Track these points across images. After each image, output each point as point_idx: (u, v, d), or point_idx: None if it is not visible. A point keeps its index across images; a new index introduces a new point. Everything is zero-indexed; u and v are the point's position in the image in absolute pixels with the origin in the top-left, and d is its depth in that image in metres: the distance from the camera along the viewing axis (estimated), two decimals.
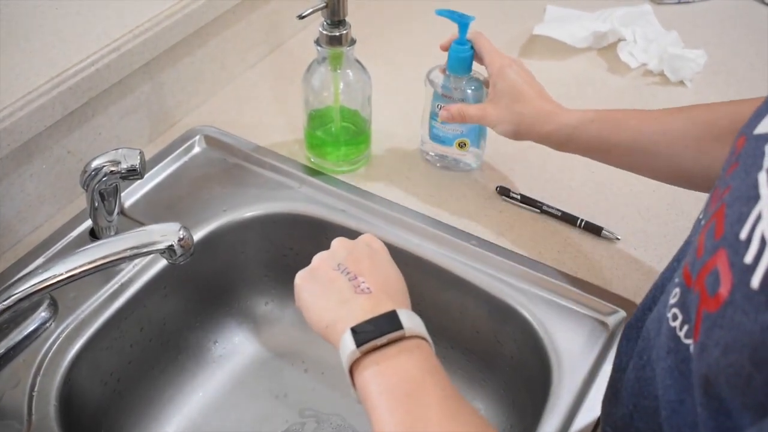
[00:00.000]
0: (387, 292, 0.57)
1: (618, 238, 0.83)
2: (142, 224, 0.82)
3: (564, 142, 0.77)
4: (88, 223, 0.81)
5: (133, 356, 0.81)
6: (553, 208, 0.85)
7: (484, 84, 0.86)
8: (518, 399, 0.80)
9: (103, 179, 0.72)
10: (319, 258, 0.61)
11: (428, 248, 0.82)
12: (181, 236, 0.65)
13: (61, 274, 0.64)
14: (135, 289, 0.78)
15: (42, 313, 0.74)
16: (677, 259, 0.53)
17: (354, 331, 0.53)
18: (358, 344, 0.52)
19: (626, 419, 0.51)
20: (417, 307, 0.57)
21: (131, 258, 0.65)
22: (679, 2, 1.23)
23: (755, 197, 0.38)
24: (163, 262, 0.80)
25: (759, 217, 0.37)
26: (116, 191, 0.75)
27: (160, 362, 0.84)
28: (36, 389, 0.69)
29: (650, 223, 0.85)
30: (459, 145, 0.89)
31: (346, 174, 0.91)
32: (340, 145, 0.91)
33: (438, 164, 0.92)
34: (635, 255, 0.81)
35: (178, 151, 0.93)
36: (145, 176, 0.87)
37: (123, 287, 0.78)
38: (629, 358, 0.54)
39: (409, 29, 1.16)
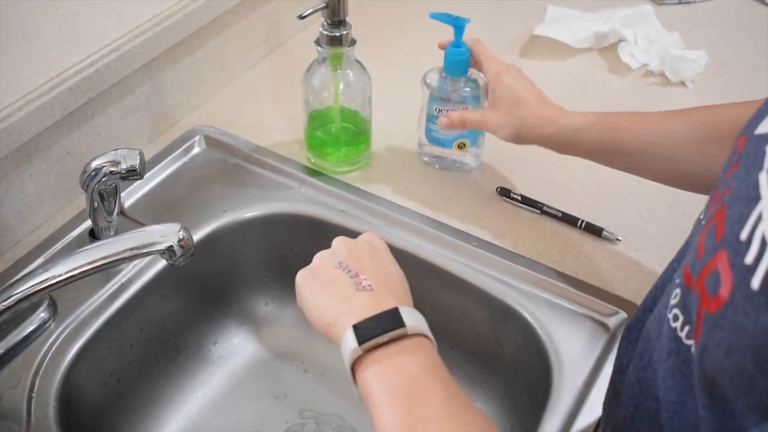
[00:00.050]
0: (389, 289, 0.57)
1: (619, 239, 0.83)
2: (141, 225, 0.83)
3: (565, 144, 0.77)
4: (88, 223, 0.81)
5: (133, 357, 0.81)
6: (553, 208, 0.85)
7: (481, 86, 0.86)
8: (519, 400, 0.80)
9: (103, 180, 0.72)
10: (320, 257, 0.61)
11: (428, 249, 0.82)
12: (181, 237, 0.65)
13: (61, 275, 0.64)
14: (135, 290, 0.78)
15: (41, 314, 0.74)
16: (677, 259, 0.53)
17: (356, 328, 0.53)
18: (360, 342, 0.52)
19: (627, 421, 0.51)
20: (417, 308, 0.57)
21: (131, 259, 0.65)
22: (680, 3, 1.23)
23: (756, 198, 0.38)
24: (162, 263, 0.80)
25: (759, 217, 0.37)
26: (116, 192, 0.75)
27: (160, 363, 0.84)
28: (35, 390, 0.69)
29: (651, 224, 0.85)
30: (458, 146, 0.89)
31: (346, 174, 0.91)
32: (340, 145, 0.90)
33: (436, 166, 0.92)
34: (636, 256, 0.81)
35: (177, 152, 0.92)
36: (145, 176, 0.87)
37: (123, 288, 0.78)
38: (630, 360, 0.54)
39: (409, 29, 1.16)
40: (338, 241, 0.63)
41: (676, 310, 0.44)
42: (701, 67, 1.06)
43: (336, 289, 0.57)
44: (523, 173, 0.91)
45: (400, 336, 0.53)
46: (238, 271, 0.89)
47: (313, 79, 0.86)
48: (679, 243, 0.54)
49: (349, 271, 0.58)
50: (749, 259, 0.36)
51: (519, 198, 0.87)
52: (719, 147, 0.65)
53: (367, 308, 0.54)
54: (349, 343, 0.53)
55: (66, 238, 0.82)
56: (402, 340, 0.53)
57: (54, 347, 0.72)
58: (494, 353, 0.81)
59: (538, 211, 0.86)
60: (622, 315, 0.75)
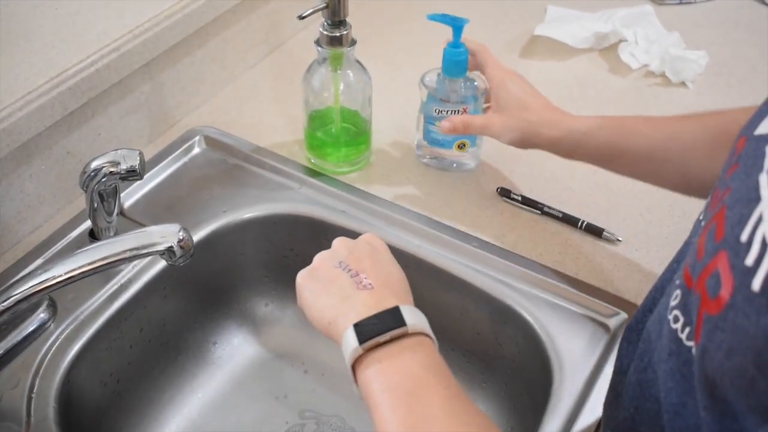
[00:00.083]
0: (389, 288, 0.57)
1: (619, 240, 0.83)
2: (141, 225, 0.82)
3: (573, 148, 0.76)
4: (88, 223, 0.80)
5: (133, 357, 0.81)
6: (554, 209, 0.85)
7: (479, 86, 0.86)
8: (519, 401, 0.80)
9: (103, 180, 0.72)
10: (320, 257, 0.61)
11: (429, 249, 0.82)
12: (181, 237, 0.65)
13: (61, 276, 0.64)
14: (134, 290, 0.78)
15: (41, 314, 0.73)
16: (677, 260, 0.53)
17: (356, 327, 0.53)
18: (361, 341, 0.52)
19: (628, 422, 0.51)
20: (417, 308, 0.57)
21: (131, 259, 0.65)
22: (680, 3, 1.23)
23: (756, 199, 0.38)
24: (162, 263, 0.80)
25: (760, 219, 0.36)
26: (116, 192, 0.75)
27: (160, 363, 0.84)
28: (35, 390, 0.69)
29: (651, 225, 0.85)
30: (458, 146, 0.89)
31: (346, 175, 0.91)
32: (340, 145, 0.90)
33: (436, 167, 0.92)
34: (636, 257, 0.81)
35: (177, 152, 0.92)
36: (145, 177, 0.86)
37: (122, 288, 0.78)
38: (630, 361, 0.54)
39: (409, 29, 1.16)
40: (338, 242, 0.63)
41: (676, 312, 0.44)
42: (702, 67, 1.06)
43: (336, 289, 0.57)
44: (523, 173, 0.91)
45: (401, 335, 0.53)
46: (238, 272, 0.89)
47: (313, 79, 0.86)
48: (680, 243, 0.54)
49: (350, 270, 0.58)
50: (750, 260, 0.36)
51: (519, 198, 0.87)
52: (728, 152, 0.65)
53: (368, 307, 0.54)
54: (350, 342, 0.53)
55: (66, 238, 0.81)
56: (403, 338, 0.53)
57: (54, 348, 0.72)
58: (494, 354, 0.81)
59: (539, 212, 0.86)
60: (623, 316, 0.75)
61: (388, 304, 0.54)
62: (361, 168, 0.92)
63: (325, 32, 0.82)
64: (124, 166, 0.71)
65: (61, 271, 0.64)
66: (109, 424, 0.78)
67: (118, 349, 0.78)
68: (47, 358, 0.71)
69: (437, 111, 0.86)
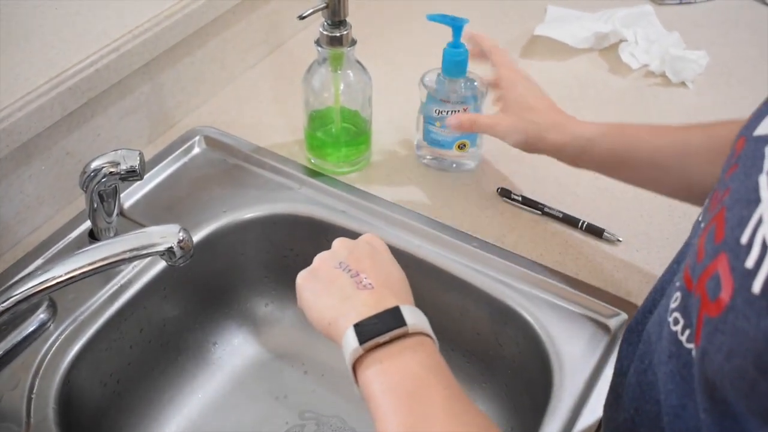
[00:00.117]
0: (390, 287, 0.57)
1: (619, 240, 0.83)
2: (141, 225, 0.82)
3: (578, 155, 0.75)
4: (88, 224, 0.80)
5: (133, 358, 0.80)
6: (554, 209, 0.85)
7: (479, 86, 0.85)
8: (519, 401, 0.80)
9: (103, 180, 0.71)
10: (320, 258, 0.61)
11: (429, 250, 0.82)
12: (181, 238, 0.65)
13: (60, 276, 0.64)
14: (134, 291, 0.78)
15: (41, 315, 0.73)
16: (677, 261, 0.53)
17: (357, 327, 0.53)
18: (361, 341, 0.52)
19: (628, 424, 0.51)
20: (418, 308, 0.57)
21: (130, 260, 0.65)
22: (680, 3, 1.23)
23: (756, 200, 0.37)
24: (162, 263, 0.80)
25: (760, 220, 0.36)
26: (115, 192, 0.75)
27: (160, 364, 0.84)
28: (35, 391, 0.69)
29: (652, 226, 0.84)
30: (459, 146, 0.89)
31: (346, 175, 0.90)
32: (340, 146, 0.90)
33: (436, 167, 0.92)
34: (637, 257, 0.81)
35: (177, 152, 0.92)
36: (145, 177, 0.86)
37: (122, 288, 0.78)
38: (630, 362, 0.54)
39: (409, 29, 1.16)
40: (338, 242, 0.63)
41: (676, 314, 0.44)
42: (702, 67, 1.06)
43: (336, 289, 0.57)
44: (523, 174, 0.90)
45: (401, 335, 0.52)
46: (238, 272, 0.89)
47: (314, 79, 0.86)
48: (680, 244, 0.54)
49: (350, 270, 0.58)
50: (750, 263, 0.35)
51: (519, 199, 0.86)
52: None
53: (368, 307, 0.54)
54: (350, 342, 0.52)
55: (65, 239, 0.81)
56: (403, 339, 0.53)
57: (53, 348, 0.72)
58: (494, 354, 0.81)
59: (539, 212, 0.86)
60: (623, 316, 0.75)
61: (389, 304, 0.54)
62: (361, 168, 0.91)
63: (325, 32, 0.82)
64: (123, 167, 0.71)
65: (61, 271, 0.64)
66: (109, 425, 0.78)
67: (118, 349, 0.78)
68: (47, 359, 0.71)
69: (437, 111, 0.86)
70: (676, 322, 0.44)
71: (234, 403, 0.85)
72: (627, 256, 0.81)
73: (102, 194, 0.74)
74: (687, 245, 0.52)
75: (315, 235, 0.85)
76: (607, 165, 0.75)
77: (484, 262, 0.80)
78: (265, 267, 0.90)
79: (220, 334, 0.89)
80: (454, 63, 0.84)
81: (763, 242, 0.35)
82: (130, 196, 0.87)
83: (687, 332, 0.42)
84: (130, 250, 0.64)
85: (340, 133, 0.90)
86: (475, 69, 0.87)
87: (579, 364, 0.71)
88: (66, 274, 0.64)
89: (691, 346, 0.42)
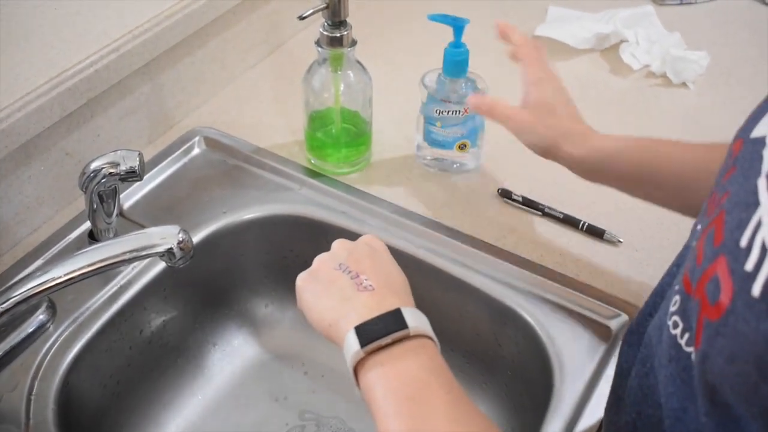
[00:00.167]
0: (390, 288, 0.57)
1: (620, 241, 0.82)
2: (141, 226, 0.82)
3: (596, 168, 0.72)
4: (87, 225, 0.80)
5: (132, 359, 0.80)
6: (555, 210, 0.85)
7: (479, 86, 0.85)
8: (519, 402, 0.80)
9: (102, 181, 0.71)
10: (319, 259, 0.61)
11: (429, 250, 0.82)
12: (181, 239, 0.64)
13: (60, 277, 0.64)
14: (134, 292, 0.78)
15: (40, 316, 0.73)
16: (677, 263, 0.53)
17: (358, 329, 0.52)
18: (363, 344, 0.52)
19: (629, 426, 0.51)
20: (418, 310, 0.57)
21: (130, 261, 0.65)
22: (681, 3, 1.23)
23: (755, 203, 0.37)
24: (162, 264, 0.80)
25: (759, 223, 0.36)
26: (115, 193, 0.75)
27: (160, 365, 0.84)
28: (34, 393, 0.69)
29: (653, 226, 0.84)
30: (459, 147, 0.89)
31: (346, 176, 0.90)
32: (340, 146, 0.90)
33: (436, 168, 0.91)
34: (638, 258, 0.81)
35: (177, 153, 0.92)
36: (145, 178, 0.86)
37: (122, 289, 0.78)
38: (631, 364, 0.53)
39: (409, 29, 1.16)
40: (338, 244, 0.62)
41: (675, 317, 0.44)
42: (703, 68, 1.06)
43: (337, 290, 0.57)
44: (524, 174, 0.90)
45: (402, 337, 0.52)
46: (238, 273, 0.89)
47: (314, 79, 0.86)
48: (681, 245, 0.54)
49: (350, 272, 0.58)
50: (749, 266, 0.35)
51: (520, 199, 0.86)
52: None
53: (369, 309, 0.54)
54: (351, 344, 0.52)
55: (65, 239, 0.81)
56: (405, 341, 0.52)
57: (53, 349, 0.72)
58: (494, 355, 0.81)
59: (540, 213, 0.85)
60: (624, 317, 0.75)
61: (389, 306, 0.54)
62: (361, 169, 0.91)
63: (325, 33, 0.82)
64: (123, 167, 0.71)
65: (60, 272, 0.64)
66: (108, 426, 0.78)
67: (117, 350, 0.78)
68: (46, 360, 0.71)
69: (438, 111, 0.86)
70: (675, 326, 0.44)
71: (234, 404, 0.85)
72: (628, 257, 0.81)
73: (101, 195, 0.74)
74: (687, 248, 0.51)
75: (315, 236, 0.85)
76: (628, 182, 0.72)
77: (484, 262, 0.80)
78: (265, 268, 0.90)
79: (219, 335, 0.89)
80: (455, 63, 0.84)
81: (763, 245, 0.35)
82: (130, 196, 0.87)
83: (686, 336, 0.42)
84: (130, 251, 0.64)
85: (340, 133, 0.90)
86: (476, 69, 0.87)
87: (579, 365, 0.71)
88: (65, 275, 0.64)
89: (690, 349, 0.42)
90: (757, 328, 0.34)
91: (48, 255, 0.80)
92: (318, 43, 0.83)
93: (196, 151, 0.94)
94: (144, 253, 0.65)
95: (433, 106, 0.86)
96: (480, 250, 0.81)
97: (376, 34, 1.14)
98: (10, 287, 0.64)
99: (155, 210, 0.86)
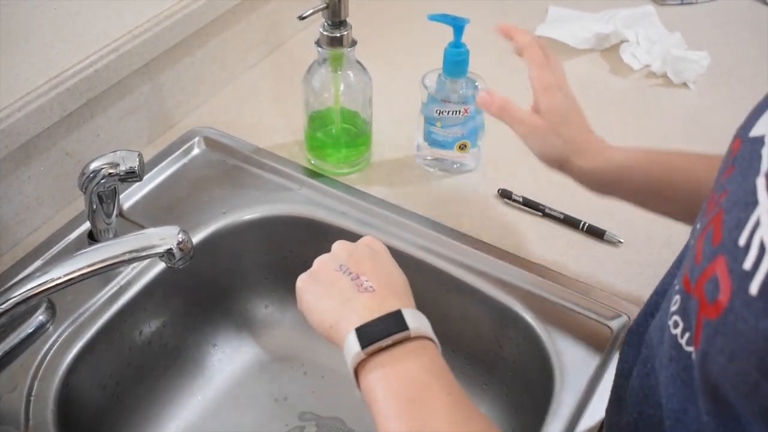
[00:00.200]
0: (391, 290, 0.56)
1: (621, 242, 0.82)
2: (141, 226, 0.82)
3: (607, 182, 0.70)
4: (87, 225, 0.80)
5: (132, 359, 0.80)
6: (555, 210, 0.85)
7: (480, 87, 0.85)
8: (520, 403, 0.80)
9: (102, 181, 0.71)
10: (320, 261, 0.61)
11: (429, 251, 0.82)
12: (180, 240, 0.64)
13: (60, 278, 0.64)
14: (134, 292, 0.78)
15: (39, 317, 0.73)
16: (677, 264, 0.53)
17: (358, 331, 0.52)
18: (363, 345, 0.52)
19: (631, 427, 0.51)
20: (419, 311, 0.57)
21: (130, 262, 0.65)
22: (682, 3, 1.22)
23: (753, 203, 0.37)
24: (162, 265, 0.79)
25: (758, 223, 0.36)
26: (115, 193, 0.75)
27: (159, 365, 0.84)
28: (33, 393, 0.68)
29: (653, 227, 0.84)
30: (459, 147, 0.89)
31: (346, 176, 0.90)
32: (340, 146, 0.90)
33: (436, 168, 0.91)
34: (638, 258, 0.81)
35: (177, 153, 0.92)
36: (144, 178, 0.86)
37: (122, 290, 0.78)
38: (632, 365, 0.53)
39: (409, 29, 1.16)
40: (338, 245, 0.62)
41: (676, 317, 0.44)
42: (704, 68, 1.05)
43: (337, 292, 0.57)
44: (524, 175, 0.90)
45: (403, 339, 0.52)
46: (238, 274, 0.89)
47: (314, 79, 0.86)
48: (681, 245, 0.54)
49: (350, 273, 0.58)
50: (748, 264, 0.35)
51: (520, 200, 0.86)
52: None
53: (370, 310, 0.54)
54: (352, 346, 0.52)
55: (64, 240, 0.81)
56: (405, 342, 0.52)
57: (52, 350, 0.72)
58: (495, 356, 0.81)
59: (540, 214, 0.85)
60: (624, 318, 0.75)
61: (390, 307, 0.54)
62: (361, 169, 0.91)
63: (325, 33, 0.81)
64: (123, 168, 0.71)
65: (60, 273, 0.64)
66: (108, 427, 0.78)
67: (117, 351, 0.78)
68: (46, 361, 0.71)
69: (438, 112, 0.86)
70: (675, 325, 0.44)
71: (233, 405, 0.85)
72: (628, 258, 0.81)
73: (101, 195, 0.73)
74: (687, 248, 0.51)
75: (315, 237, 0.85)
76: (640, 196, 0.70)
77: (484, 263, 0.80)
78: (265, 268, 0.90)
79: (219, 335, 0.89)
80: (455, 63, 0.83)
81: (761, 244, 0.35)
82: (130, 197, 0.87)
83: (687, 335, 0.42)
84: (130, 252, 0.64)
85: (340, 133, 0.90)
86: (476, 69, 0.87)
87: (580, 365, 0.71)
88: (65, 275, 0.64)
89: (690, 349, 0.42)
90: (756, 327, 0.34)
91: (47, 255, 0.80)
92: (318, 43, 0.83)
93: (195, 151, 0.94)
94: (143, 253, 0.65)
95: (434, 107, 0.86)
96: (480, 250, 0.81)
97: (376, 34, 1.14)
98: (10, 288, 0.64)
99: (155, 210, 0.86)
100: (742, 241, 0.36)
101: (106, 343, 0.76)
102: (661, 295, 0.53)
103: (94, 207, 0.74)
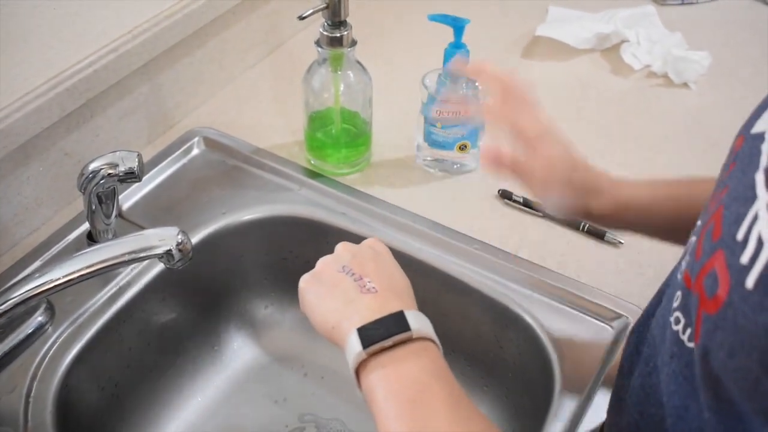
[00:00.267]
0: (393, 291, 0.56)
1: (621, 242, 0.82)
2: (140, 227, 0.82)
3: (625, 223, 0.66)
4: (86, 226, 0.80)
5: (131, 360, 0.80)
6: None
7: (480, 87, 0.85)
8: (520, 405, 0.80)
9: (101, 182, 0.71)
10: (323, 262, 0.61)
11: (429, 252, 0.81)
12: (180, 241, 0.64)
13: (59, 279, 0.63)
14: (133, 293, 0.78)
15: (38, 318, 0.73)
16: (680, 263, 0.53)
17: (360, 331, 0.52)
18: (365, 346, 0.52)
19: (632, 427, 0.51)
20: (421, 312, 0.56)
21: (129, 263, 0.65)
22: (682, 3, 1.22)
23: (752, 197, 0.37)
24: (161, 265, 0.79)
25: (756, 217, 0.36)
26: (114, 194, 0.75)
27: (159, 366, 0.84)
28: (32, 395, 0.68)
29: None
30: (460, 147, 0.88)
31: (346, 176, 0.90)
32: (340, 147, 0.90)
33: (436, 168, 0.91)
34: (639, 259, 0.81)
35: (176, 153, 0.92)
36: (144, 179, 0.86)
37: (121, 291, 0.77)
38: (633, 365, 0.53)
39: (409, 29, 1.15)
40: (341, 246, 0.62)
41: (677, 313, 0.44)
42: (704, 68, 1.05)
43: (340, 292, 0.57)
44: None
45: (405, 339, 0.52)
46: (238, 274, 0.89)
47: (314, 80, 0.86)
48: (682, 246, 0.54)
49: (353, 274, 0.58)
50: (745, 258, 0.35)
51: (521, 200, 0.86)
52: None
53: (372, 311, 0.54)
54: (354, 346, 0.52)
55: (64, 240, 0.81)
56: (407, 343, 0.52)
57: (51, 351, 0.71)
58: (495, 357, 0.81)
59: (541, 214, 0.85)
60: (625, 319, 0.74)
61: (392, 308, 0.54)
62: (361, 169, 0.91)
63: (325, 33, 0.81)
64: (122, 168, 0.71)
65: (59, 274, 0.63)
66: (107, 428, 0.78)
67: (116, 352, 0.78)
68: (45, 362, 0.70)
69: (438, 112, 0.85)
70: (677, 322, 0.44)
71: (233, 406, 0.85)
72: (629, 258, 0.81)
73: (100, 196, 0.73)
74: (689, 246, 0.51)
75: (315, 237, 0.85)
76: (661, 233, 0.66)
77: (485, 264, 0.80)
78: (265, 269, 0.90)
79: (219, 336, 0.89)
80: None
81: (759, 238, 0.35)
82: (129, 197, 0.86)
83: (688, 331, 0.42)
84: (129, 253, 0.64)
85: (340, 134, 0.90)
86: None
87: (581, 367, 0.71)
88: (64, 276, 0.63)
89: (692, 345, 0.42)
90: (755, 321, 0.34)
91: (47, 256, 0.79)
92: (318, 43, 0.82)
93: (195, 151, 0.93)
94: (143, 254, 0.64)
95: (435, 107, 0.86)
96: (481, 251, 0.81)
97: (376, 34, 1.14)
98: (9, 289, 0.64)
99: (154, 211, 0.85)
100: (740, 236, 0.37)
101: (106, 344, 0.76)
102: (663, 293, 0.53)
103: (93, 208, 0.74)
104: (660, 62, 1.07)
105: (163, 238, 0.64)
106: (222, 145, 0.94)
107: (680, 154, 0.94)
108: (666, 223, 0.64)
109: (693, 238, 0.47)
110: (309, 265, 0.61)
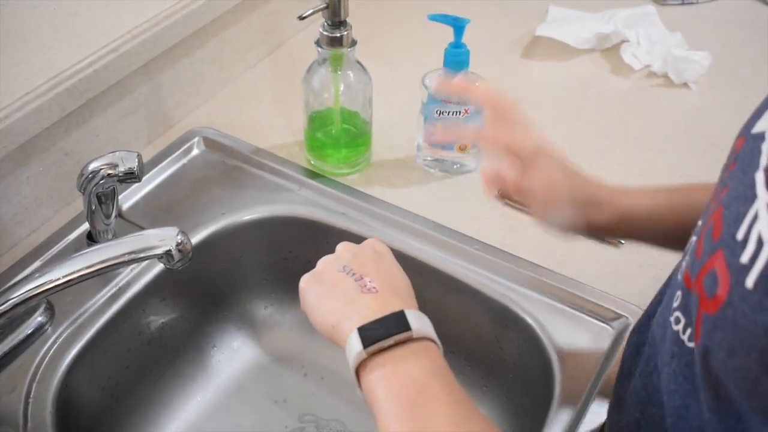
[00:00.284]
0: (394, 291, 0.56)
1: (621, 243, 0.82)
2: (140, 227, 0.82)
3: (626, 234, 0.66)
4: (86, 226, 0.80)
5: (131, 361, 0.80)
6: None
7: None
8: (520, 404, 0.80)
9: (101, 182, 0.71)
10: (324, 261, 0.61)
11: (429, 252, 0.81)
12: (179, 241, 0.64)
13: (58, 279, 0.63)
14: (133, 293, 0.78)
15: (38, 318, 0.73)
16: (681, 262, 0.53)
17: (361, 331, 0.52)
18: (365, 345, 0.52)
19: (633, 427, 0.51)
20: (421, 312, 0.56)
21: (128, 263, 0.64)
22: (683, 3, 1.22)
23: (752, 197, 0.37)
24: (161, 265, 0.79)
25: (756, 216, 0.36)
26: (114, 194, 0.75)
27: (159, 367, 0.84)
28: (32, 395, 0.68)
29: None
30: (459, 148, 0.88)
31: (346, 176, 0.90)
32: (340, 147, 0.90)
33: (436, 168, 0.91)
34: (639, 259, 0.80)
35: (176, 153, 0.92)
36: (144, 179, 0.86)
37: (121, 291, 0.77)
38: (634, 365, 0.53)
39: (409, 29, 1.15)
40: (342, 246, 0.62)
41: (677, 313, 0.44)
42: (704, 68, 1.05)
43: (340, 292, 0.57)
44: None
45: (405, 339, 0.52)
46: (237, 274, 0.89)
47: (314, 80, 0.86)
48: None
49: (354, 274, 0.58)
50: (745, 258, 0.35)
51: (521, 201, 0.86)
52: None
53: (372, 310, 0.54)
54: (354, 346, 0.52)
55: (63, 241, 0.81)
56: (408, 343, 0.52)
57: (51, 351, 0.71)
58: (495, 357, 0.81)
59: None
60: (626, 319, 0.74)
61: (393, 308, 0.54)
62: (361, 169, 0.91)
63: (325, 33, 0.81)
64: (122, 169, 0.71)
65: (58, 274, 0.63)
66: (107, 428, 0.78)
67: (116, 352, 0.78)
68: (44, 362, 0.70)
69: (438, 112, 0.85)
70: (677, 321, 0.44)
71: (233, 406, 0.85)
72: (629, 258, 0.81)
73: (100, 196, 0.73)
74: (689, 246, 0.51)
75: (315, 237, 0.85)
76: (664, 241, 0.65)
77: (485, 264, 0.80)
78: (265, 269, 0.90)
79: (219, 336, 0.89)
80: (456, 63, 0.83)
81: (759, 238, 0.35)
82: (129, 197, 0.86)
83: (688, 331, 0.42)
84: (128, 253, 0.64)
85: (340, 134, 0.89)
86: (476, 69, 0.86)
87: (581, 367, 0.71)
88: (64, 277, 0.63)
89: (692, 345, 0.42)
90: (755, 321, 0.34)
91: (47, 256, 0.79)
92: (318, 43, 0.82)
93: (195, 151, 0.93)
94: (142, 255, 0.64)
95: (434, 107, 0.86)
96: (481, 251, 0.81)
97: (376, 34, 1.14)
98: (9, 289, 0.64)
99: (154, 211, 0.85)
100: (740, 235, 0.37)
101: (105, 344, 0.76)
102: (663, 294, 0.53)
103: (93, 208, 0.74)
104: (660, 62, 1.07)
105: (163, 238, 0.64)
106: (222, 145, 0.94)
107: (680, 154, 0.94)
108: (666, 231, 0.63)
109: (693, 238, 0.47)
110: (309, 266, 0.61)
